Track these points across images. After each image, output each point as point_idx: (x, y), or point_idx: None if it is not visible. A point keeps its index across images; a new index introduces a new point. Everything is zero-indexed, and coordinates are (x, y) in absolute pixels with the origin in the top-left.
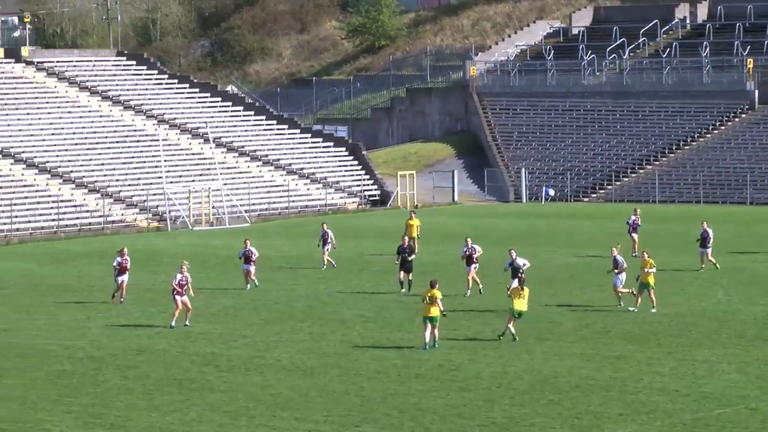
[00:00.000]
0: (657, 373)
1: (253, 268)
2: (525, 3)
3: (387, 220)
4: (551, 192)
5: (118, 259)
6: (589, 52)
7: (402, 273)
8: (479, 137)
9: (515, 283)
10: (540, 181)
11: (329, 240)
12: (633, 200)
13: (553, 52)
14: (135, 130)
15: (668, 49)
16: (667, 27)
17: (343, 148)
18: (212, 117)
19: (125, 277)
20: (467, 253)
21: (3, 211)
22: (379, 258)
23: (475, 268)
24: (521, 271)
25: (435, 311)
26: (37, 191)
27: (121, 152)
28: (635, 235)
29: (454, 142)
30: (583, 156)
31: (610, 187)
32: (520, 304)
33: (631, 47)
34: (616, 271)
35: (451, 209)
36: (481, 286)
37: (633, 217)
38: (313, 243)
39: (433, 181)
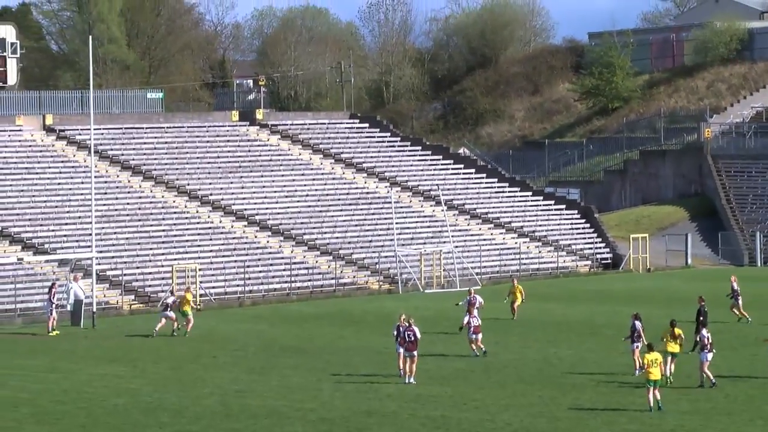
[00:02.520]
0: None
1: (480, 336)
2: (761, 64)
3: (619, 284)
4: None
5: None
6: None
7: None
8: (713, 200)
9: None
10: None
11: (477, 306)
12: None
13: None
14: (367, 192)
15: None
16: None
17: (575, 211)
18: (444, 179)
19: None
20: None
21: (237, 273)
22: (611, 321)
23: (637, 347)
24: None
25: (658, 374)
26: (270, 253)
27: (353, 214)
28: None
29: (687, 205)
30: None
31: None
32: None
33: None
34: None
35: (684, 273)
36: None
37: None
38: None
39: (666, 244)
